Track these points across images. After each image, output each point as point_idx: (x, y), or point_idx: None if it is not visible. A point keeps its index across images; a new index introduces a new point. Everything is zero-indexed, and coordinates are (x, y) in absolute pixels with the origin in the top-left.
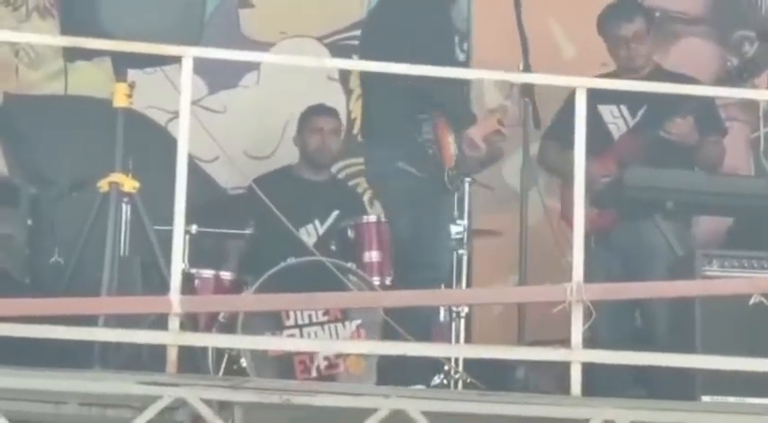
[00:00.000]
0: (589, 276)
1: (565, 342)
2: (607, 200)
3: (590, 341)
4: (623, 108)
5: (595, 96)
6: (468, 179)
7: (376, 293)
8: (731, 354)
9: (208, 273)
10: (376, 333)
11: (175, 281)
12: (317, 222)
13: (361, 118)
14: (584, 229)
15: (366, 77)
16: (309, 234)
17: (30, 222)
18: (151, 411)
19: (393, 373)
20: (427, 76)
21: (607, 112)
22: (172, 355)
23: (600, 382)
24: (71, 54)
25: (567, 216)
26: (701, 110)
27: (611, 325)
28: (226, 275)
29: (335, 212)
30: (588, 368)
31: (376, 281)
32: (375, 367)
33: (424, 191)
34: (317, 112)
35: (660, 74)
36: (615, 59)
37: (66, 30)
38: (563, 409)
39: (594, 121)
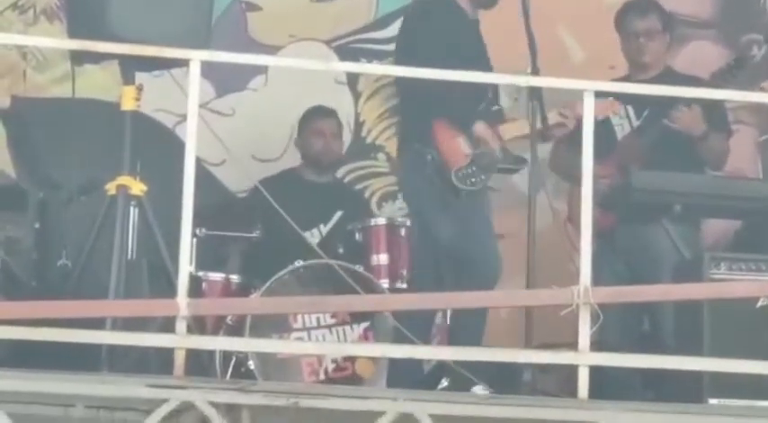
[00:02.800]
0: (595, 279)
1: (572, 345)
2: (614, 202)
3: (598, 345)
4: (629, 109)
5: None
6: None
7: (383, 296)
8: (739, 356)
9: (215, 276)
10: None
11: (183, 284)
12: (321, 226)
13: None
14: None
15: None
16: (314, 236)
17: (37, 226)
18: (158, 414)
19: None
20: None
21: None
22: (179, 358)
23: (609, 385)
24: (78, 57)
25: (573, 219)
26: (708, 103)
27: (620, 329)
28: (233, 278)
29: (339, 213)
30: (597, 371)
31: (385, 284)
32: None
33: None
34: (318, 114)
35: (671, 76)
36: (626, 55)
37: (73, 33)
38: (570, 412)
39: (604, 123)
